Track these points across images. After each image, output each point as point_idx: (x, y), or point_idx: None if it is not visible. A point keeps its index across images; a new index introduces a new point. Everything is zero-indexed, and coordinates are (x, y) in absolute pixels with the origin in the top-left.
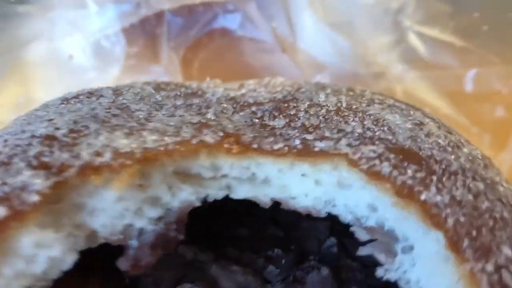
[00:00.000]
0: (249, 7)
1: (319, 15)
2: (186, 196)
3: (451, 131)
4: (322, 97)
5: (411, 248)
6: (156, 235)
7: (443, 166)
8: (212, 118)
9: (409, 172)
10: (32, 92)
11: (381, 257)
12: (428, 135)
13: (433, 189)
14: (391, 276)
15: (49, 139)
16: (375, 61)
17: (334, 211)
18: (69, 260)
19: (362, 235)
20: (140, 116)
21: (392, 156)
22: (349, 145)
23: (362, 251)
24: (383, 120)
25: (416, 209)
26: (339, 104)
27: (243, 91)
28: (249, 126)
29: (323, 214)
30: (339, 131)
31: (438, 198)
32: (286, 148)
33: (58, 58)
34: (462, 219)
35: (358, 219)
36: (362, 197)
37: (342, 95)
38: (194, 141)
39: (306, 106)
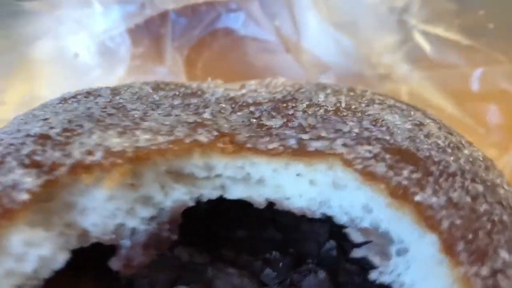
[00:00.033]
0: (252, 5)
1: (323, 14)
2: (179, 195)
3: (452, 132)
4: (321, 97)
5: (406, 250)
6: (149, 235)
7: (441, 167)
8: (209, 117)
9: (405, 172)
10: (38, 90)
11: (375, 259)
12: (427, 135)
13: (429, 190)
14: (385, 279)
15: (43, 138)
16: (380, 61)
17: (329, 212)
18: (60, 259)
19: (356, 237)
20: (136, 116)
21: (388, 156)
22: (344, 145)
23: (356, 253)
24: (382, 121)
25: (411, 210)
26: (338, 104)
27: (244, 91)
28: (246, 126)
29: (317, 215)
30: (336, 131)
31: (434, 199)
32: (281, 147)
33: (64, 56)
34: (458, 221)
35: (352, 220)
36: (357, 197)
37: (342, 95)
38: (187, 140)
39: (305, 106)
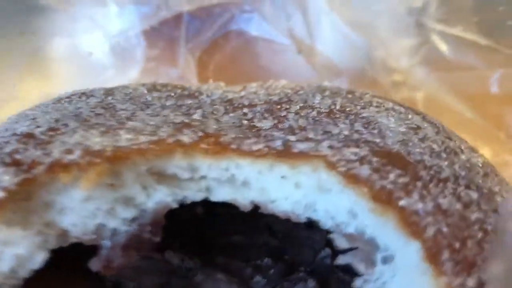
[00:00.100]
0: (265, 7)
1: (339, 15)
2: (162, 197)
3: (451, 137)
4: (317, 99)
5: (391, 258)
6: (129, 236)
7: (432, 172)
8: (198, 118)
9: (391, 176)
10: (51, 88)
11: (360, 266)
12: (422, 139)
13: (415, 195)
14: (369, 287)
15: (27, 137)
16: (397, 66)
17: (315, 216)
18: (39, 258)
19: (342, 243)
20: (123, 116)
21: (375, 159)
22: (330, 147)
23: (341, 260)
24: (375, 123)
25: (394, 216)
26: (332, 107)
27: (243, 93)
28: (236, 127)
29: (303, 219)
30: (325, 132)
31: (420, 205)
32: (266, 149)
33: (78, 55)
34: (445, 229)
35: (338, 225)
36: (341, 201)
37: (339, 97)
38: (170, 140)
39: (298, 108)
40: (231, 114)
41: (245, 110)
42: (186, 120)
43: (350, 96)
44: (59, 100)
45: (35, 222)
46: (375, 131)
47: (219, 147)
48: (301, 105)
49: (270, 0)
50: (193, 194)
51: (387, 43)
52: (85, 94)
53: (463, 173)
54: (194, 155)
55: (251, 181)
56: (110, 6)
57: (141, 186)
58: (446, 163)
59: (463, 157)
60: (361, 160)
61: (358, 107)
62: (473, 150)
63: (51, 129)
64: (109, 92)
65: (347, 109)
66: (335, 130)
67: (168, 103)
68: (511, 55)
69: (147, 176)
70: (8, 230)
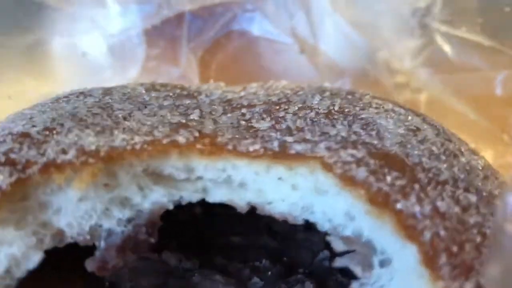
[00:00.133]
0: (268, 6)
1: (342, 16)
2: (158, 197)
3: (451, 139)
4: (316, 100)
5: (389, 261)
6: (124, 237)
7: (430, 175)
8: (195, 118)
9: (388, 179)
10: (51, 87)
11: (357, 269)
12: (421, 141)
13: (412, 198)
14: None
15: (23, 136)
16: (399, 67)
17: (312, 218)
18: (34, 258)
19: (339, 245)
20: (120, 115)
21: (372, 161)
22: (328, 148)
23: (338, 263)
24: (374, 125)
25: (391, 219)
26: (331, 107)
27: (242, 94)
28: (233, 127)
29: (300, 221)
30: (322, 134)
31: (417, 208)
32: (262, 150)
33: (78, 54)
34: (442, 232)
35: (335, 228)
36: (338, 203)
37: (339, 98)
38: (165, 140)
39: (296, 108)
40: (229, 115)
41: (244, 110)
42: (183, 121)
43: (349, 97)
44: (57, 99)
45: (30, 222)
46: (373, 133)
47: (215, 147)
48: (300, 105)
49: None
50: (190, 194)
51: (390, 44)
52: (83, 94)
53: (462, 176)
54: (190, 156)
55: (248, 182)
56: (112, 6)
57: (137, 187)
58: (445, 165)
59: (463, 159)
60: (358, 162)
61: (357, 108)
62: (473, 152)
63: (47, 128)
64: (107, 92)
65: (346, 110)
66: (333, 131)
67: (165, 103)
68: None
69: (143, 177)
70: (2, 230)
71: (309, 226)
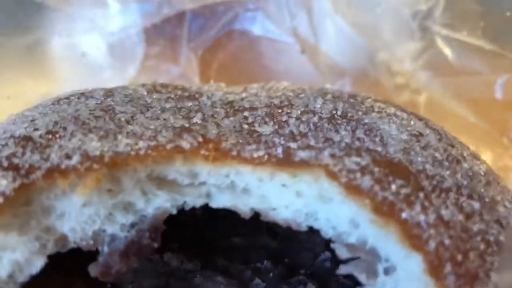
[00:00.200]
0: (269, 5)
1: (343, 18)
2: (161, 202)
3: (453, 144)
4: (318, 103)
5: (394, 269)
6: (127, 242)
7: (434, 182)
8: (198, 122)
9: (393, 187)
10: (50, 87)
11: (362, 277)
12: (424, 147)
13: (417, 207)
14: None
15: (25, 140)
16: (399, 69)
17: (316, 225)
18: (37, 264)
19: (343, 253)
20: (122, 119)
21: (377, 169)
22: (332, 155)
23: (343, 270)
24: (377, 130)
25: (396, 228)
26: (333, 112)
27: (244, 95)
28: (236, 131)
29: (303, 227)
30: (326, 140)
31: (422, 217)
32: (266, 156)
33: (77, 55)
34: (447, 241)
35: (340, 235)
36: (343, 211)
37: (341, 101)
38: (169, 146)
39: (299, 113)
40: (232, 118)
41: (246, 113)
42: (186, 124)
43: (351, 100)
44: (58, 101)
45: (33, 227)
46: (377, 139)
47: (219, 153)
48: (302, 109)
49: None
50: (193, 200)
51: (391, 46)
52: (84, 95)
53: (465, 182)
54: (195, 161)
55: (252, 189)
56: (112, 4)
57: (141, 192)
58: (448, 172)
59: (465, 165)
60: (363, 170)
61: (360, 113)
62: (475, 157)
63: (50, 132)
64: (108, 93)
65: (349, 115)
66: (337, 138)
67: (167, 105)
68: None
69: (147, 182)
70: (5, 235)
71: (310, 228)
